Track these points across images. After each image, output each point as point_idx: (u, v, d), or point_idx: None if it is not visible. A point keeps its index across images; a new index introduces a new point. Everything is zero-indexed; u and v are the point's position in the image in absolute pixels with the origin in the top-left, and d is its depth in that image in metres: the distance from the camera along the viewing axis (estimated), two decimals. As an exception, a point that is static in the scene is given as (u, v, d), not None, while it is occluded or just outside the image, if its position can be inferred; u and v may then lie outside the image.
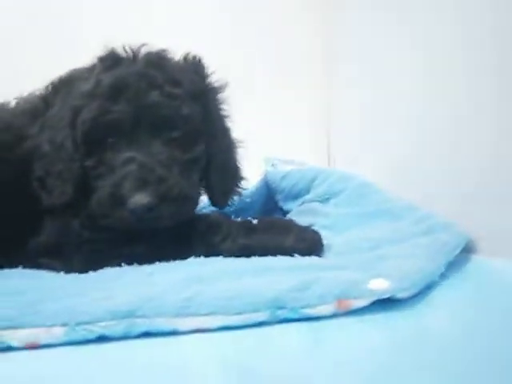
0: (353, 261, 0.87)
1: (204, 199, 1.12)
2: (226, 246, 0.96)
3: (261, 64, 1.76)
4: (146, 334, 0.73)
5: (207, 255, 0.95)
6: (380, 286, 0.75)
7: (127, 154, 0.97)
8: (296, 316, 0.73)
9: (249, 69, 1.70)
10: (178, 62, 1.07)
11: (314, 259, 0.91)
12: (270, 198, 1.35)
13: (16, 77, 1.51)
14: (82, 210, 0.99)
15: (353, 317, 0.75)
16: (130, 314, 0.72)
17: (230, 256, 0.95)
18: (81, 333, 0.71)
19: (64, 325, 0.71)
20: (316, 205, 1.19)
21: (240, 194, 1.14)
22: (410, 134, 1.30)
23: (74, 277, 0.92)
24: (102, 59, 1.04)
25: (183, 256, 0.95)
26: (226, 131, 1.13)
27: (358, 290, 0.74)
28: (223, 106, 1.12)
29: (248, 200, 1.32)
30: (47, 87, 1.10)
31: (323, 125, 1.80)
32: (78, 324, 0.71)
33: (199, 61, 1.09)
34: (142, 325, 0.72)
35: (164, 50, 1.06)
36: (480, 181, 1.03)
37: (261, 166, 1.40)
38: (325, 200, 1.19)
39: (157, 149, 0.98)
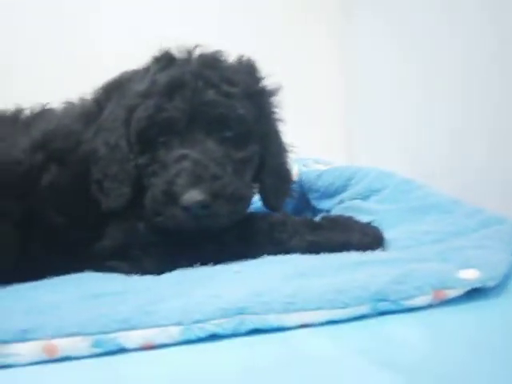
0: (425, 253, 0.91)
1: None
2: (294, 243, 0.98)
3: (278, 65, 1.79)
4: (252, 332, 0.74)
5: (276, 253, 0.97)
6: (471, 275, 0.79)
7: (181, 151, 0.97)
8: (397, 308, 0.77)
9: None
10: (232, 64, 1.08)
11: (392, 253, 0.94)
12: (301, 197, 1.38)
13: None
14: (145, 211, 0.99)
15: (446, 307, 0.78)
16: (240, 312, 0.73)
17: (298, 253, 0.97)
18: (195, 332, 0.72)
19: (179, 324, 0.72)
20: (358, 202, 1.23)
21: (292, 197, 1.17)
22: (432, 129, 1.35)
23: (166, 277, 0.93)
24: (156, 60, 1.06)
25: (251, 255, 0.96)
26: (278, 134, 1.14)
27: (452, 281, 0.78)
28: (276, 109, 1.13)
29: None
30: (98, 90, 1.10)
31: (343, 124, 1.83)
32: (193, 323, 0.72)
33: (253, 63, 1.10)
34: (252, 322, 0.73)
35: (218, 52, 1.08)
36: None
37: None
38: (365, 197, 1.23)
39: (211, 147, 0.99)
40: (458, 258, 0.85)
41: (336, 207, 1.27)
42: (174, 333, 0.72)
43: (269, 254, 0.97)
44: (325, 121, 1.78)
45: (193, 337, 0.73)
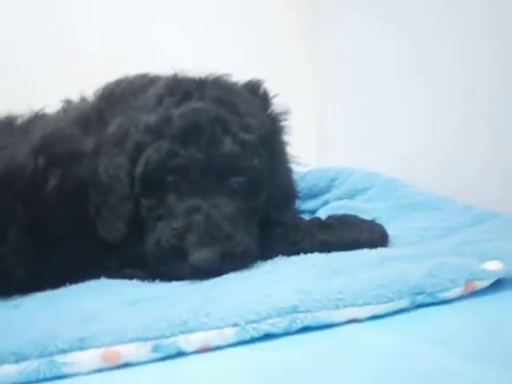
0: (439, 249, 0.96)
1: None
2: (307, 243, 1.00)
3: (246, 64, 1.80)
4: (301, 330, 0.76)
5: (290, 254, 0.98)
6: (496, 267, 0.84)
7: (192, 202, 0.95)
8: (433, 300, 0.81)
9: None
10: (245, 96, 1.06)
11: (406, 250, 0.98)
12: None
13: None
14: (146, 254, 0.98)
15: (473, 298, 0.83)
16: (294, 310, 0.74)
17: (311, 252, 0.99)
18: (250, 332, 0.73)
19: (235, 325, 0.73)
20: (346, 202, 1.26)
21: (295, 211, 1.17)
22: (402, 131, 1.41)
23: (204, 282, 0.92)
24: (170, 91, 1.01)
25: (268, 257, 0.98)
26: (286, 163, 1.13)
27: (481, 273, 0.83)
28: (285, 137, 1.13)
29: None
30: (98, 96, 1.06)
31: (313, 124, 1.86)
32: (248, 323, 0.73)
33: (265, 92, 1.09)
34: (304, 320, 0.75)
35: (228, 80, 1.06)
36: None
37: None
38: (351, 197, 1.27)
39: (223, 199, 0.96)
40: (474, 252, 0.90)
41: (322, 208, 1.29)
42: (229, 334, 0.72)
43: (283, 254, 0.98)
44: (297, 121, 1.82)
45: (247, 337, 0.73)
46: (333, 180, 1.36)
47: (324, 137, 1.79)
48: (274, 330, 0.74)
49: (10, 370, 0.65)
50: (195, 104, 0.97)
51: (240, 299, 0.77)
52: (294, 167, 1.40)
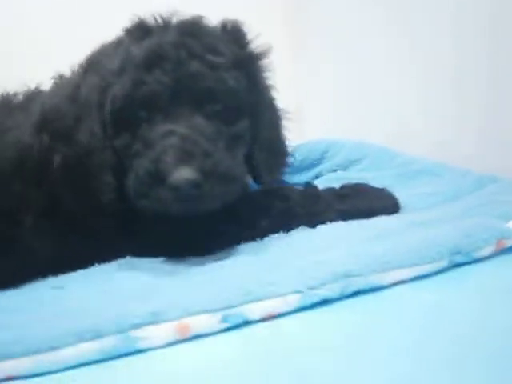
0: (453, 212, 0.99)
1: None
2: (327, 214, 1.01)
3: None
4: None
5: (310, 225, 0.99)
6: (517, 226, 0.89)
7: (166, 127, 0.89)
8: (468, 260, 0.85)
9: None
10: (215, 30, 1.00)
11: (423, 214, 1.01)
12: None
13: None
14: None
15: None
16: (348, 274, 0.76)
17: (329, 222, 1.01)
18: (312, 298, 0.74)
19: (297, 292, 0.74)
20: (341, 173, 1.29)
21: (285, 172, 1.13)
22: (385, 110, 1.45)
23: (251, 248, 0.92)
24: (129, 31, 0.97)
25: (291, 227, 0.99)
26: (271, 102, 1.06)
27: (509, 232, 0.87)
28: (267, 75, 1.05)
29: None
30: (80, 66, 1.02)
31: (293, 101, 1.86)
32: (309, 289, 0.74)
33: (239, 27, 1.02)
34: (357, 283, 0.77)
35: (199, 17, 0.99)
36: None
37: None
38: (345, 168, 1.30)
39: (199, 122, 0.90)
40: (494, 213, 0.94)
41: (315, 180, 1.31)
42: (292, 301, 0.73)
43: (304, 225, 0.99)
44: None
45: (308, 303, 0.74)
46: (324, 152, 1.39)
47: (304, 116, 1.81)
48: (331, 294, 0.75)
49: (88, 347, 0.63)
50: (157, 39, 0.93)
51: (296, 266, 0.78)
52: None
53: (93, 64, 1.00)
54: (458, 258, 0.84)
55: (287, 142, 1.11)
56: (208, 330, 0.70)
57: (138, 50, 0.91)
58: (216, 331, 0.70)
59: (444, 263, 0.83)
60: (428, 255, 0.82)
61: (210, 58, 0.92)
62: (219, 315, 0.70)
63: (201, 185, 0.83)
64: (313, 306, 0.75)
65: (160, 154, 0.85)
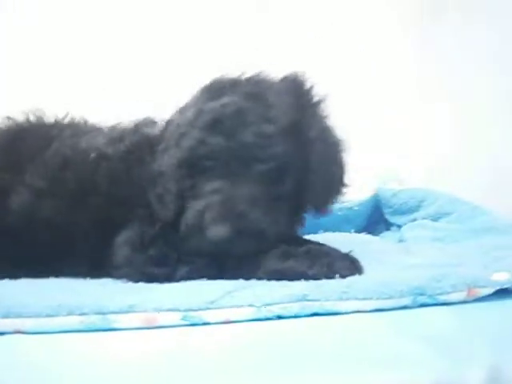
0: (471, 261, 1.10)
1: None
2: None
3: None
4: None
5: None
6: (502, 277, 0.98)
7: (215, 184, 1.10)
8: (433, 302, 0.97)
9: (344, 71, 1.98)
10: (275, 88, 1.18)
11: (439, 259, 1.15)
12: (376, 210, 1.66)
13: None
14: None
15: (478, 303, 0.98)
16: (303, 298, 0.94)
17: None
18: (264, 313, 0.94)
19: (251, 306, 0.94)
20: (427, 222, 1.49)
21: (339, 200, 1.27)
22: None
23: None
24: (205, 89, 1.20)
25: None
26: (326, 136, 1.20)
27: (485, 281, 0.97)
28: (323, 118, 1.22)
29: (356, 208, 1.64)
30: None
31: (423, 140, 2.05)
32: (263, 305, 0.94)
33: (297, 79, 1.22)
34: (313, 307, 0.95)
35: (264, 76, 1.20)
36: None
37: (371, 181, 1.70)
38: (435, 219, 1.50)
39: (244, 182, 1.10)
40: (497, 264, 1.04)
41: (408, 224, 1.53)
42: (247, 312, 0.94)
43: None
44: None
45: (261, 317, 0.94)
46: (422, 201, 1.57)
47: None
48: (285, 312, 0.95)
49: (74, 320, 0.93)
50: (225, 99, 1.13)
51: (262, 287, 1.01)
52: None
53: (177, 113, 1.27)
54: (423, 299, 0.97)
55: (344, 173, 1.25)
56: (169, 324, 0.94)
57: (207, 110, 1.13)
58: (176, 325, 0.94)
59: (406, 301, 0.96)
60: (387, 292, 0.96)
61: (262, 127, 1.11)
62: (180, 314, 0.94)
63: (231, 240, 1.07)
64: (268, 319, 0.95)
65: (204, 209, 1.09)
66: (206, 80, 1.24)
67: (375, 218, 1.67)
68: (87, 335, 0.92)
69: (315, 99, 1.22)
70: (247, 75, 1.22)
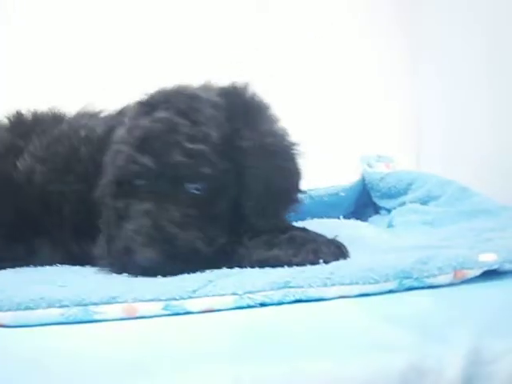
0: (461, 243, 1.08)
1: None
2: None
3: (350, 64, 2.04)
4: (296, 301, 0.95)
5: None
6: (489, 258, 0.96)
7: (145, 206, 1.09)
8: (420, 285, 0.96)
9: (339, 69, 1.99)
10: (210, 102, 1.15)
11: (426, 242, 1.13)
12: (363, 194, 1.65)
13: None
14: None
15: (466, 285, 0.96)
16: (285, 285, 0.93)
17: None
18: (246, 301, 0.93)
19: (234, 294, 0.93)
20: (417, 205, 1.48)
21: (289, 213, 1.25)
22: (497, 133, 1.52)
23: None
24: (139, 103, 1.19)
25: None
26: (270, 149, 1.17)
27: (472, 262, 0.96)
28: (265, 127, 1.19)
29: (343, 194, 1.63)
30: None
31: (412, 123, 2.04)
32: (245, 293, 0.93)
33: (235, 90, 1.21)
34: (296, 294, 0.94)
35: (199, 90, 1.19)
36: None
37: (357, 164, 1.70)
38: (424, 202, 1.48)
39: (174, 203, 1.09)
40: (485, 246, 1.03)
41: (398, 208, 1.52)
42: (229, 301, 0.93)
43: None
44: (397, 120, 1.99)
45: (244, 305, 0.93)
46: (410, 184, 1.55)
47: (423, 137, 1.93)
48: (267, 300, 0.94)
49: (55, 312, 0.92)
50: (156, 115, 1.12)
51: (244, 275, 1.01)
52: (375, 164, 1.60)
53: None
54: (409, 283, 0.95)
55: (293, 186, 1.22)
56: (151, 314, 0.93)
57: (135, 129, 1.13)
58: (158, 315, 0.93)
59: (391, 285, 0.95)
60: (372, 276, 0.95)
61: (191, 146, 1.09)
62: (162, 304, 0.93)
63: (161, 265, 1.05)
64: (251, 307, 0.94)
65: (133, 233, 1.08)
66: (206, 80, 1.25)
67: (363, 202, 1.66)
68: (68, 327, 0.92)
69: (255, 109, 1.21)
70: (179, 87, 1.20)
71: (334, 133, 1.87)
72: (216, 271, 1.05)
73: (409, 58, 2.07)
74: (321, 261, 1.05)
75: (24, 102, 1.42)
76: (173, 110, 1.12)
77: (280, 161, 1.18)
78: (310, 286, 0.94)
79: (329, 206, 1.59)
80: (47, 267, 1.22)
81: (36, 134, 1.34)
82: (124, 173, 1.12)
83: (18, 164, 1.30)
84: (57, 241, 1.23)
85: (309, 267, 1.00)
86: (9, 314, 0.92)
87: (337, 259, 1.06)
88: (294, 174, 1.21)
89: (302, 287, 0.94)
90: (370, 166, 1.68)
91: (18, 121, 1.39)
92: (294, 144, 1.22)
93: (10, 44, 1.93)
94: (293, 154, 1.21)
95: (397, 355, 0.73)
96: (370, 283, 0.95)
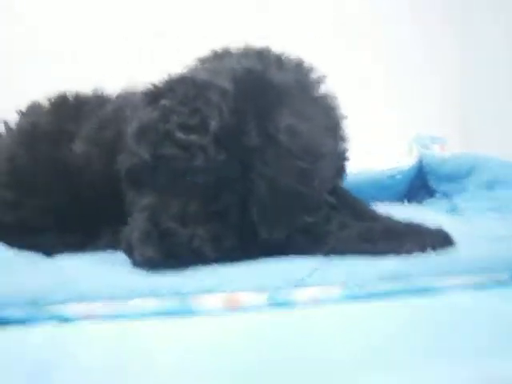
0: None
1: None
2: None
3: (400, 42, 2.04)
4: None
5: None
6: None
7: (145, 200, 1.03)
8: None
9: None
10: (219, 88, 1.04)
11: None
12: (418, 177, 1.58)
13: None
14: None
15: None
16: (396, 275, 0.89)
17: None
18: (355, 291, 0.88)
19: (341, 285, 0.89)
20: (481, 191, 1.44)
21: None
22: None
23: None
24: (144, 95, 1.11)
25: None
26: (283, 147, 1.02)
27: None
28: (281, 123, 1.03)
29: (399, 177, 1.55)
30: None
31: (456, 102, 2.04)
32: (356, 285, 0.89)
33: (249, 79, 1.07)
34: (409, 283, 0.89)
35: (204, 73, 1.10)
36: None
37: (411, 146, 1.64)
38: (490, 187, 1.44)
39: (174, 198, 1.02)
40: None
41: (461, 192, 1.47)
42: (336, 292, 0.88)
43: None
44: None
45: (353, 295, 0.88)
46: (472, 167, 1.49)
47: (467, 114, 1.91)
48: (375, 291, 0.89)
49: (150, 303, 0.85)
50: (156, 105, 1.05)
51: (354, 262, 0.96)
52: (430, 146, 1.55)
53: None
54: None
55: (313, 190, 1.05)
56: (254, 305, 0.86)
57: (137, 120, 1.06)
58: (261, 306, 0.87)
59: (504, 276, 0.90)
60: (486, 266, 0.90)
61: (183, 137, 1.00)
62: (266, 294, 0.87)
63: (159, 263, 0.98)
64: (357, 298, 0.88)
65: (132, 228, 1.01)
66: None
67: (416, 185, 1.59)
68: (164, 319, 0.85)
69: (275, 98, 1.05)
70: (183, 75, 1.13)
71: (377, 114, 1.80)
72: (315, 259, 0.99)
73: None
74: (429, 250, 0.98)
75: (23, 99, 1.36)
76: (175, 99, 1.04)
77: (296, 161, 1.02)
78: (425, 275, 0.90)
79: (383, 189, 1.52)
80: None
81: (84, 117, 1.27)
82: (127, 165, 1.06)
83: (74, 149, 1.22)
84: (119, 226, 1.12)
85: (418, 257, 0.94)
86: (100, 304, 0.85)
87: (443, 248, 0.99)
88: (314, 176, 1.04)
89: (416, 276, 0.89)
90: (426, 147, 1.62)
91: (61, 103, 1.32)
92: (321, 143, 1.07)
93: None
94: (317, 152, 1.05)
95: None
96: (486, 273, 0.90)
